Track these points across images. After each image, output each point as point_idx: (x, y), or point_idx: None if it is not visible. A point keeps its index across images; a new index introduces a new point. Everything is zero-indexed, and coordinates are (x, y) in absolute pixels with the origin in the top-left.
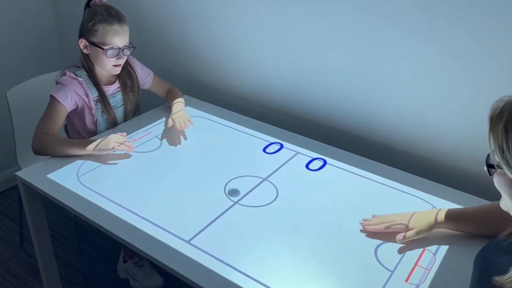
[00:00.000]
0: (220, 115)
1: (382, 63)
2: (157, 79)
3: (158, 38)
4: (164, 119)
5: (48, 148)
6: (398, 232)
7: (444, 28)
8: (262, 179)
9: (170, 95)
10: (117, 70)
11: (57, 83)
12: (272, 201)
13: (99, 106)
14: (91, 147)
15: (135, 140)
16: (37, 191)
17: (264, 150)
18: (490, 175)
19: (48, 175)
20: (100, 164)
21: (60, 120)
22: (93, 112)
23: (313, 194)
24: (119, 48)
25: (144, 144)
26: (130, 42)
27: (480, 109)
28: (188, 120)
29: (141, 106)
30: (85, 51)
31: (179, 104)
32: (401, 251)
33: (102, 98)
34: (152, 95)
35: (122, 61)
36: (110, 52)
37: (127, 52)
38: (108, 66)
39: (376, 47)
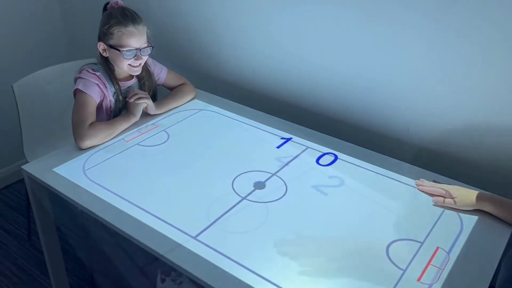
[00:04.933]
0: (229, 108)
1: (397, 56)
2: (171, 75)
3: (165, 33)
4: (171, 113)
5: (98, 137)
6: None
7: (462, 18)
8: (271, 174)
9: (173, 91)
10: (136, 71)
11: (76, 79)
12: (281, 197)
13: (116, 98)
14: (134, 116)
15: (142, 133)
16: (43, 185)
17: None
18: None
19: (54, 169)
20: (106, 158)
21: (93, 110)
22: (111, 105)
23: (323, 190)
24: (136, 49)
25: (151, 138)
26: (148, 42)
27: (500, 105)
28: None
29: None
30: (104, 54)
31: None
32: (413, 249)
33: (120, 91)
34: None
35: (140, 62)
36: (126, 54)
37: (145, 52)
38: (127, 67)
39: (389, 39)
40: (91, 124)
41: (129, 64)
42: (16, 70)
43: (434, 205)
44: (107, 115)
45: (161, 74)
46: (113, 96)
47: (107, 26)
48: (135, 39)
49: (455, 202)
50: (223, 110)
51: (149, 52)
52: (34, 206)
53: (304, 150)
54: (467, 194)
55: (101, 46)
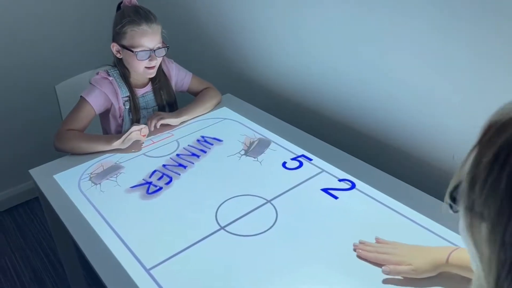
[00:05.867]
0: (251, 117)
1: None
2: (195, 80)
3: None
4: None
5: (70, 144)
6: None
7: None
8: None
9: (198, 97)
10: (151, 73)
11: (90, 82)
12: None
13: (127, 106)
14: (117, 142)
15: (154, 142)
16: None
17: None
18: (453, 211)
19: (58, 173)
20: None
21: (86, 120)
22: (121, 112)
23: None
24: (150, 49)
25: (164, 147)
26: (163, 42)
27: None
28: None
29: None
30: (118, 55)
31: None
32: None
33: (133, 98)
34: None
35: (155, 63)
36: (140, 54)
37: (160, 52)
38: (141, 68)
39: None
40: (72, 130)
41: (143, 66)
42: (60, 72)
43: (384, 273)
44: (115, 122)
45: (185, 80)
46: (124, 102)
47: (119, 25)
48: (149, 38)
49: (413, 271)
50: (231, 111)
51: (164, 53)
52: (45, 208)
53: (320, 173)
54: (426, 256)
55: (114, 47)
